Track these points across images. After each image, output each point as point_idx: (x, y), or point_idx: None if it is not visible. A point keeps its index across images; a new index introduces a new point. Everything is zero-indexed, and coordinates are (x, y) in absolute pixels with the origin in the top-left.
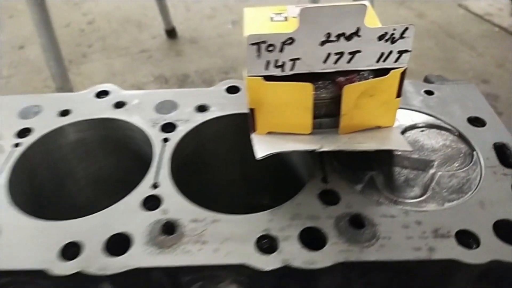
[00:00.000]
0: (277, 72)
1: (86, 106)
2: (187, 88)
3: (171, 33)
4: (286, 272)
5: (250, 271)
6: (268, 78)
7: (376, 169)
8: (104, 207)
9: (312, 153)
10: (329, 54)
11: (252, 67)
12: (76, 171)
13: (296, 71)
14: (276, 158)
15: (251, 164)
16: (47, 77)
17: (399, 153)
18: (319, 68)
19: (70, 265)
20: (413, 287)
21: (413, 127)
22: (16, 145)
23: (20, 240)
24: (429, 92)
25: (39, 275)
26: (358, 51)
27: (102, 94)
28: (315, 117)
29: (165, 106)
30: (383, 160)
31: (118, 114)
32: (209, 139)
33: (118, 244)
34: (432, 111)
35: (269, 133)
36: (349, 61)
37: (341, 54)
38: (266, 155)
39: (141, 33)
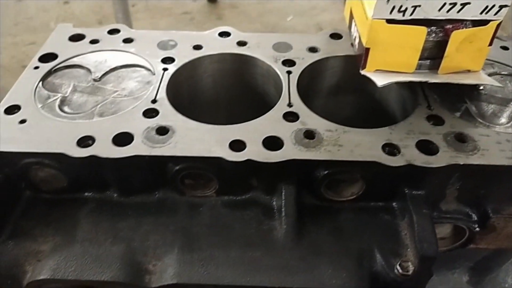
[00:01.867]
0: (399, 16)
1: (213, 43)
2: (299, 34)
3: None
4: (407, 170)
5: (379, 168)
6: (388, 22)
7: (469, 103)
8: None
9: (412, 88)
10: (444, 4)
11: (379, 11)
12: (205, 94)
13: (413, 16)
14: (370, 93)
15: (346, 96)
16: None
17: (486, 92)
18: (433, 15)
19: (240, 154)
20: (498, 193)
21: (495, 73)
22: (164, 69)
23: (192, 137)
24: (504, 48)
25: (215, 161)
26: (468, 3)
27: (224, 34)
28: (418, 58)
29: (281, 47)
30: (474, 96)
31: (243, 51)
32: (319, 75)
33: (272, 143)
34: (509, 62)
35: (376, 70)
36: (458, 11)
37: (454, 4)
38: (387, 83)
39: None
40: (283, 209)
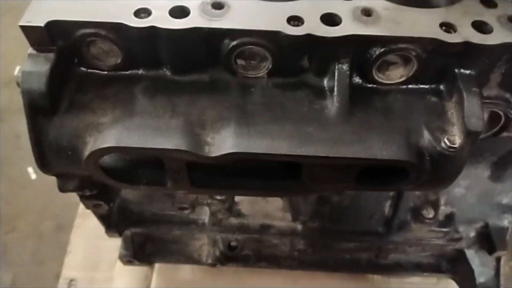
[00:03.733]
0: None
1: None
2: None
3: None
4: (462, 48)
5: (437, 43)
6: None
7: None
8: None
9: None
10: None
11: None
12: None
13: None
14: None
15: None
16: None
17: None
18: None
19: (299, 29)
20: None
21: None
22: None
23: (249, 12)
24: None
25: (273, 36)
26: None
27: None
28: None
29: None
30: None
31: None
32: None
33: (330, 20)
34: None
35: None
36: None
37: None
38: None
39: None
40: (335, 88)
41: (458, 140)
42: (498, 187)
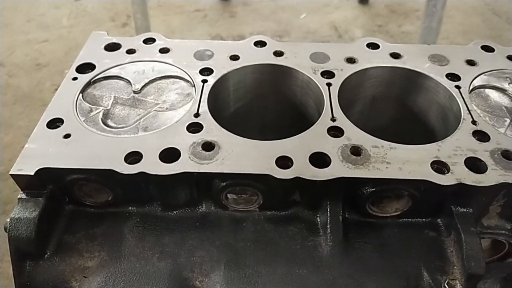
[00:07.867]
0: None
1: (250, 53)
2: (334, 43)
3: None
4: (457, 188)
5: (429, 185)
6: None
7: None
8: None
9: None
10: None
11: None
12: (240, 104)
13: None
14: (409, 105)
15: (383, 107)
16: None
17: None
18: None
19: (288, 172)
20: None
21: None
22: (203, 81)
23: (239, 153)
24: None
25: (262, 179)
26: None
27: (259, 44)
28: None
29: (319, 57)
30: None
31: (281, 62)
32: (358, 86)
33: (319, 160)
34: None
35: None
36: None
37: None
38: None
39: None
40: (328, 226)
41: (458, 286)
42: None
